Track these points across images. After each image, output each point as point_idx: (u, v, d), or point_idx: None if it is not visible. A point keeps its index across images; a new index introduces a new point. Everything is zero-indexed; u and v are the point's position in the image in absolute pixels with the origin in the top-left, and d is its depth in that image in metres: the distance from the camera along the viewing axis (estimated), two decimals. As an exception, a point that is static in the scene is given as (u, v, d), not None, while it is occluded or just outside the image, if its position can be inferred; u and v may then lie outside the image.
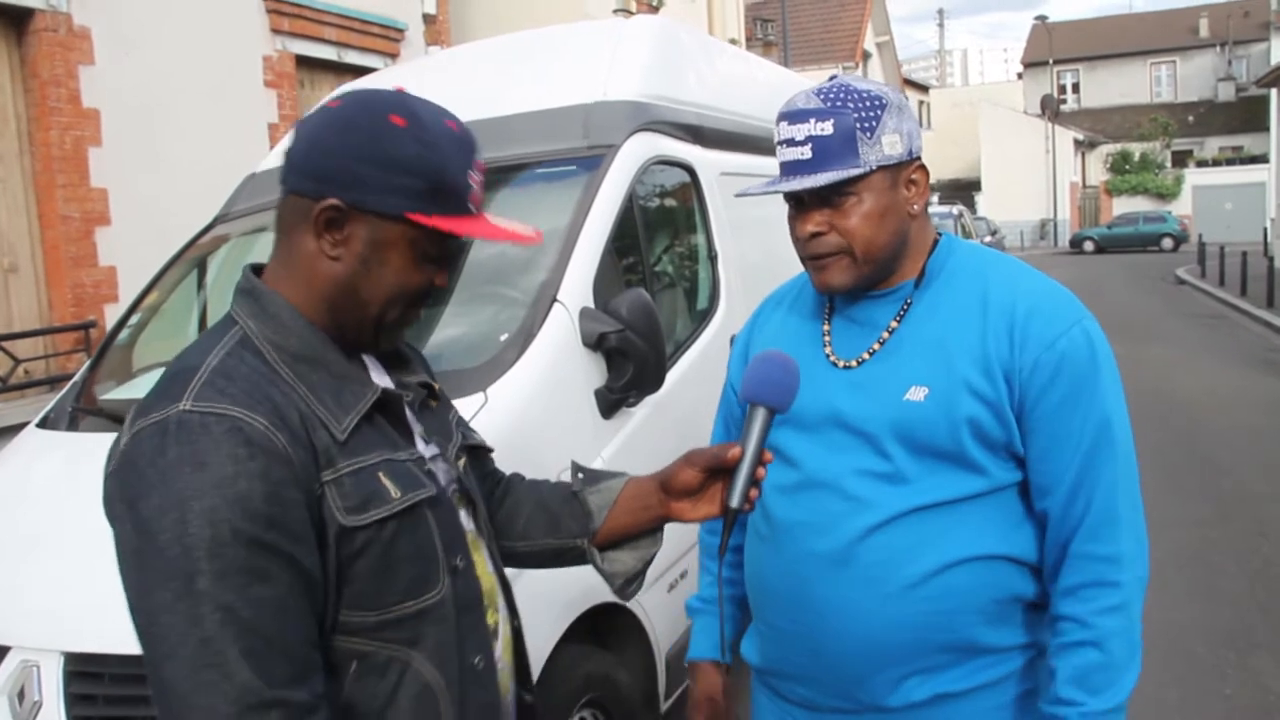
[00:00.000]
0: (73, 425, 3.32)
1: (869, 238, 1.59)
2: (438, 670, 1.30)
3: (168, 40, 7.50)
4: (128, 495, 1.13)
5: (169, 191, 7.07)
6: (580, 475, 1.64)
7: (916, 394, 1.57)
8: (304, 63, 9.11)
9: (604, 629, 2.93)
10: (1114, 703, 1.52)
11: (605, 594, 2.85)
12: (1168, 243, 35.36)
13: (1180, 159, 42.84)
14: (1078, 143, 42.26)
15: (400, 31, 10.25)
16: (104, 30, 7.05)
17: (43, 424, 3.45)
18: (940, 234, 1.72)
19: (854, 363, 1.65)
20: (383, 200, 1.26)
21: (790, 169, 1.60)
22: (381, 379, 1.40)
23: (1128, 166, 42.37)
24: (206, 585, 1.09)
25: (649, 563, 1.60)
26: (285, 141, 1.34)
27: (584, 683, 2.72)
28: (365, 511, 1.23)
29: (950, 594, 1.56)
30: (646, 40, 3.96)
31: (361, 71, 7.98)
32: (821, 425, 1.65)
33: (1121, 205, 40.90)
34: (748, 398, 1.48)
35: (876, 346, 1.65)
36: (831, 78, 1.65)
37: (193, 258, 4.16)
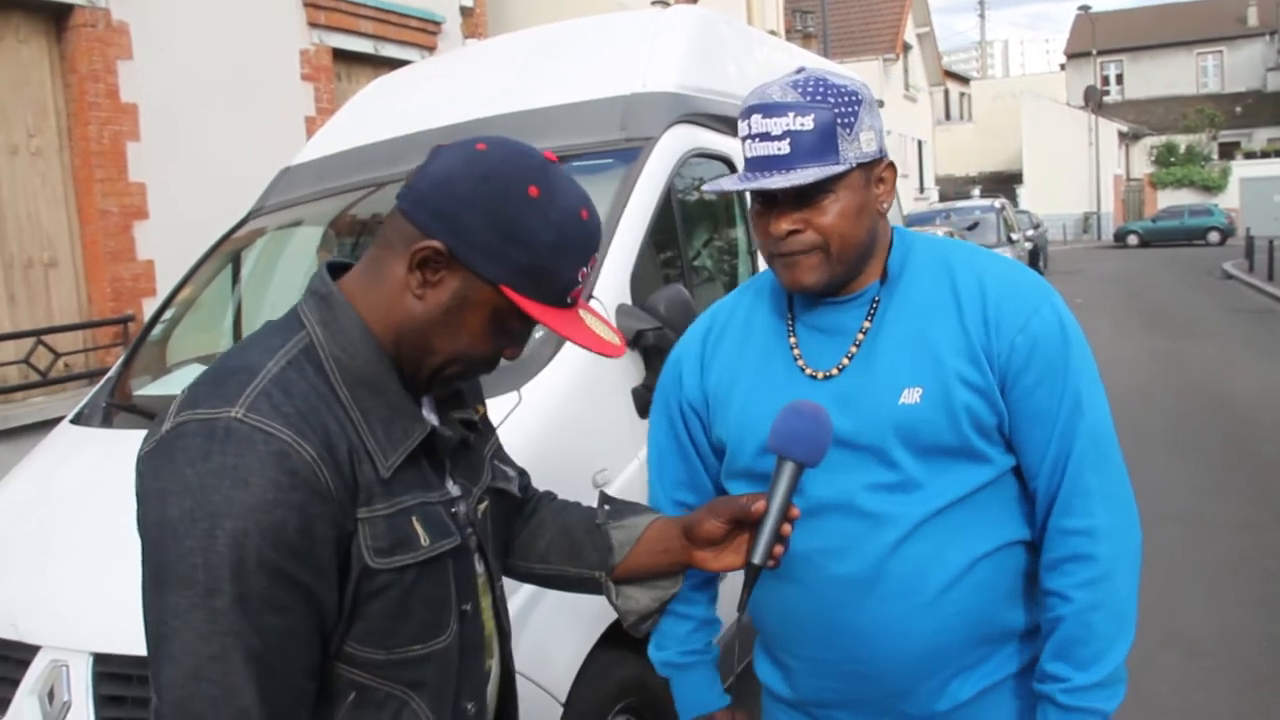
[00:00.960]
0: (106, 421, 3.31)
1: (844, 235, 1.54)
2: (433, 713, 1.29)
3: (205, 35, 7.52)
4: (160, 486, 1.12)
5: (207, 185, 7.08)
6: (606, 508, 1.59)
7: (911, 395, 1.53)
8: (341, 56, 9.12)
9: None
10: (1100, 676, 1.51)
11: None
12: (1214, 236, 34.77)
13: (1227, 151, 42.12)
14: (1121, 135, 41.66)
15: (437, 24, 10.23)
16: (142, 25, 7.07)
17: (76, 420, 3.44)
18: (893, 229, 1.67)
19: (834, 371, 1.59)
20: (486, 264, 1.22)
21: (763, 164, 1.51)
22: (429, 414, 1.36)
23: (1173, 159, 41.75)
24: (223, 605, 1.08)
25: (665, 602, 1.56)
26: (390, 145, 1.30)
27: (618, 688, 2.66)
28: (392, 556, 1.21)
29: (979, 589, 1.55)
30: (685, 31, 3.89)
31: (398, 65, 7.94)
32: None
33: (1166, 198, 40.31)
34: (776, 450, 1.41)
35: (853, 350, 1.59)
36: (798, 70, 1.58)
37: (227, 252, 4.14)
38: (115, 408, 3.38)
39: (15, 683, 2.36)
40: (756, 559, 1.38)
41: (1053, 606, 1.54)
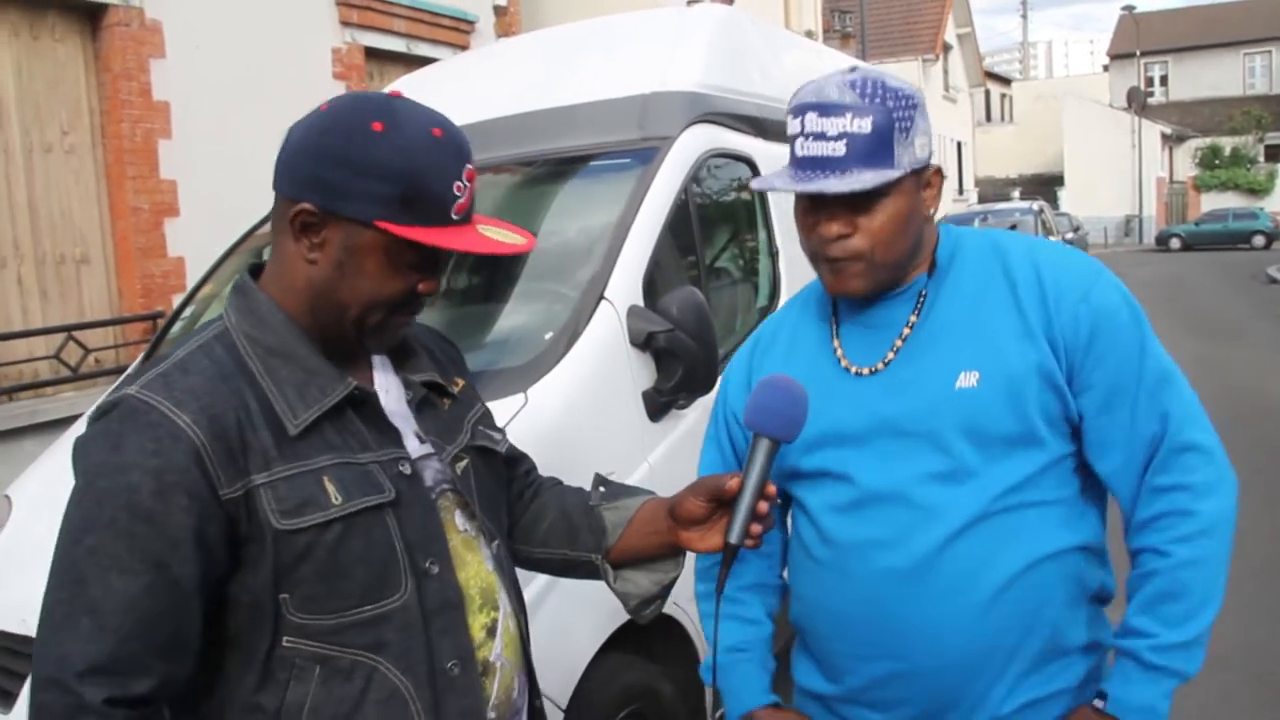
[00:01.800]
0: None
1: (891, 242, 1.53)
2: (406, 675, 1.29)
3: (237, 33, 7.57)
4: (75, 461, 1.23)
5: (237, 183, 7.10)
6: (601, 489, 1.60)
7: (968, 379, 1.51)
8: (373, 55, 9.15)
9: (649, 638, 2.84)
10: (1188, 635, 1.46)
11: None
12: (1259, 240, 34.14)
13: (1274, 153, 41.35)
14: (1165, 137, 41.07)
15: (470, 23, 10.25)
16: (175, 24, 7.13)
17: (95, 416, 3.45)
18: (939, 226, 1.65)
19: (879, 365, 1.58)
20: (354, 207, 1.26)
21: (815, 165, 1.49)
22: (385, 374, 1.42)
23: (1217, 161, 41.12)
24: (78, 555, 1.17)
25: (668, 587, 1.55)
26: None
27: (623, 694, 2.63)
28: (299, 515, 1.24)
29: (1037, 594, 1.50)
30: (708, 30, 3.86)
31: (430, 63, 7.96)
32: (869, 436, 1.56)
33: (1210, 201, 39.69)
34: (750, 426, 1.40)
35: (899, 344, 1.57)
36: (852, 68, 1.54)
37: (250, 249, 4.16)
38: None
39: (24, 676, 2.39)
40: (733, 538, 1.37)
41: (1144, 562, 1.50)
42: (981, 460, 1.49)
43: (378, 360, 1.43)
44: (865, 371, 1.58)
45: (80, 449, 1.23)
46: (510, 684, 1.46)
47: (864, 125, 1.46)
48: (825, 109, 1.48)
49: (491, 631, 1.43)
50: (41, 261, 6.59)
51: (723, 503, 1.42)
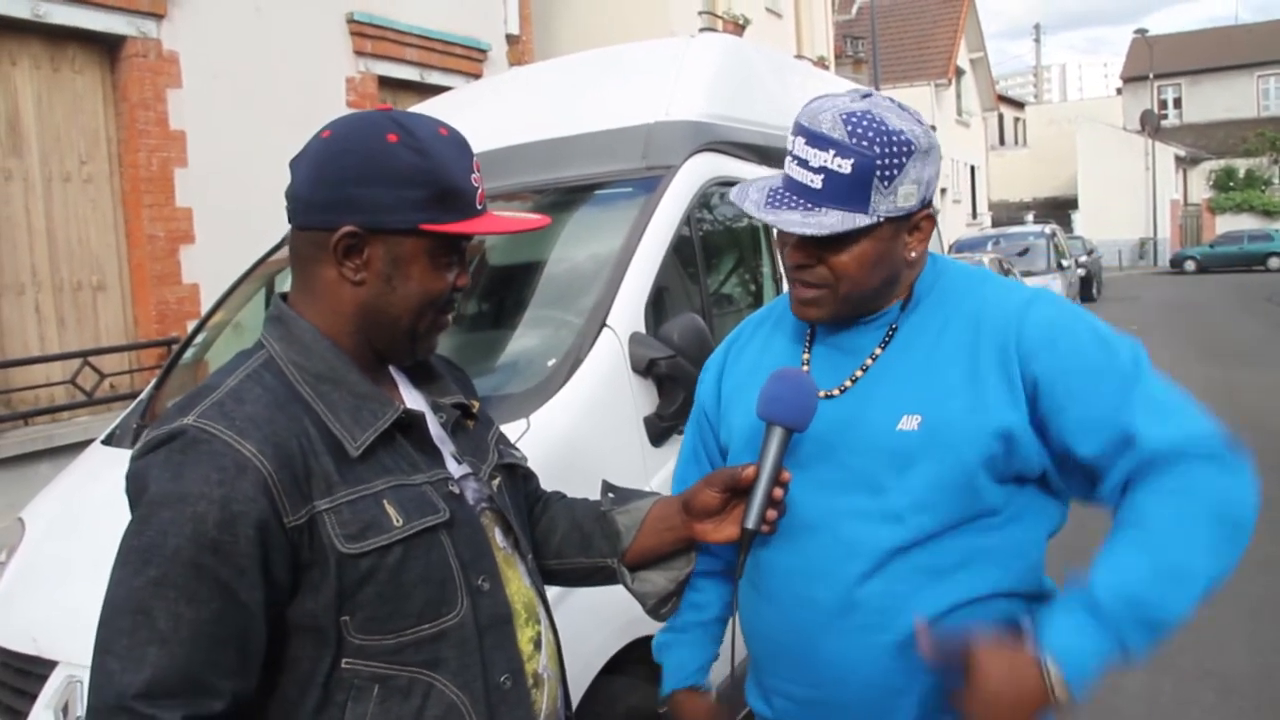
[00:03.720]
0: (136, 442, 3.36)
1: (856, 280, 1.51)
2: (462, 691, 1.31)
3: (252, 63, 7.68)
4: (130, 491, 1.23)
5: (252, 210, 7.18)
6: (610, 495, 1.65)
7: (910, 423, 1.48)
8: (386, 83, 9.25)
9: (651, 660, 2.85)
10: (1156, 598, 1.35)
11: (650, 626, 2.78)
12: (1274, 262, 33.95)
13: (1289, 175, 41.26)
14: (1179, 159, 40.97)
15: (483, 52, 10.35)
16: (191, 55, 7.24)
17: (108, 440, 3.51)
18: (930, 255, 1.61)
19: (835, 391, 1.56)
20: (395, 217, 1.29)
21: (794, 188, 1.47)
22: (413, 399, 1.44)
23: (1232, 184, 40.97)
24: (140, 584, 1.16)
25: (682, 583, 1.61)
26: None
27: (625, 717, 2.64)
28: (364, 539, 1.25)
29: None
30: (712, 59, 3.90)
31: (444, 92, 8.05)
32: (809, 461, 1.54)
33: (1225, 223, 39.54)
34: (763, 416, 1.44)
35: (859, 374, 1.56)
36: (865, 94, 1.52)
37: (262, 275, 4.21)
38: (146, 429, 3.43)
39: (33, 696, 2.42)
40: (750, 523, 1.43)
41: (1121, 517, 1.40)
42: (910, 505, 1.46)
43: (403, 386, 1.45)
44: (822, 394, 1.55)
45: (137, 479, 1.22)
46: (556, 695, 1.50)
47: (844, 166, 1.43)
48: (813, 138, 1.46)
49: (538, 644, 1.46)
50: (59, 288, 6.68)
51: (737, 493, 1.49)
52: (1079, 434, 1.44)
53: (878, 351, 1.56)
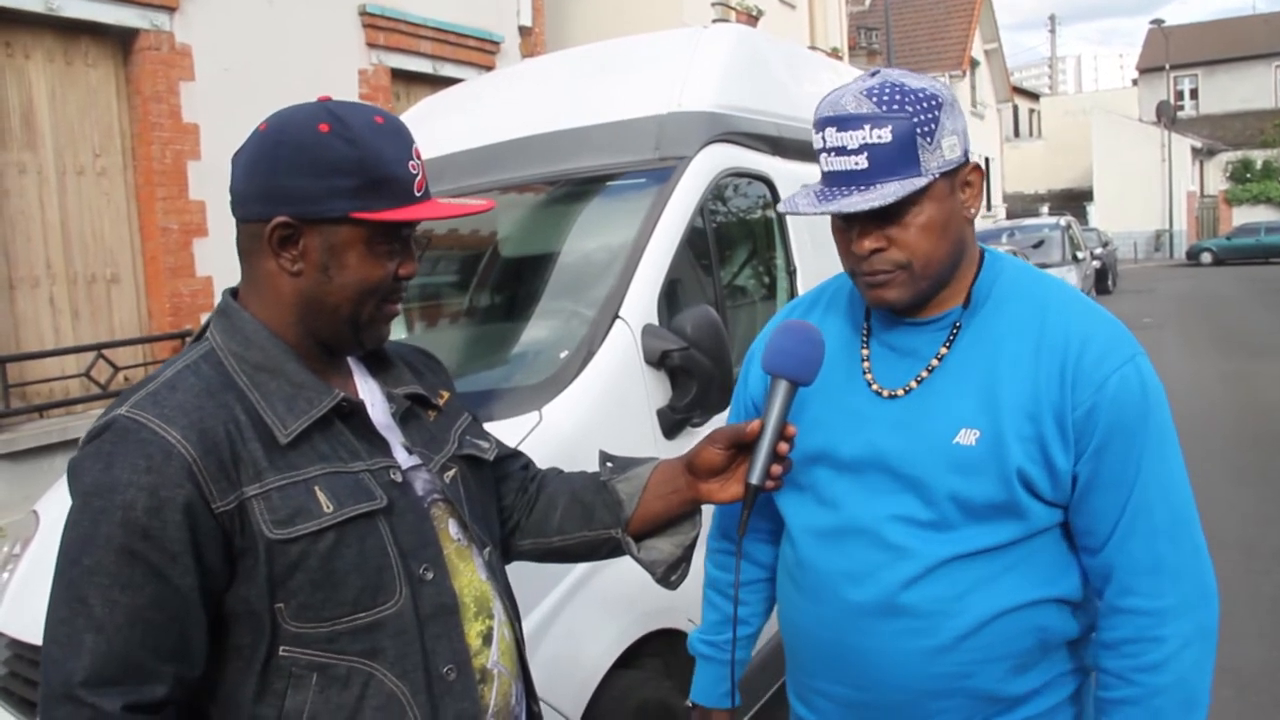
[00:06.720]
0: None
1: (929, 251, 1.45)
2: (401, 680, 1.32)
3: (265, 56, 7.69)
4: (69, 484, 1.25)
5: (265, 203, 7.22)
6: (609, 464, 1.63)
7: (967, 437, 1.44)
8: (399, 76, 9.26)
9: (664, 656, 2.85)
10: None
11: (664, 619, 2.78)
12: (1292, 254, 33.81)
13: (1307, 167, 40.95)
14: (1195, 151, 40.69)
15: (496, 44, 10.34)
16: (204, 48, 7.26)
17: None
18: (983, 250, 1.58)
19: (900, 391, 1.52)
20: (327, 207, 1.30)
21: (841, 180, 1.43)
22: (368, 388, 1.46)
23: (1249, 175, 40.66)
24: (77, 575, 1.19)
25: (689, 548, 1.59)
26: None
27: (637, 711, 2.63)
28: (292, 525, 1.26)
29: (998, 643, 1.46)
30: (724, 49, 3.87)
31: (456, 84, 8.03)
32: (862, 466, 1.52)
33: (1242, 215, 39.23)
34: (768, 369, 1.42)
35: (925, 374, 1.51)
36: (873, 73, 1.49)
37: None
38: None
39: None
40: (754, 478, 1.41)
41: (1111, 686, 1.45)
42: (962, 518, 1.45)
43: (359, 376, 1.46)
44: (886, 394, 1.52)
45: (74, 470, 1.25)
46: (508, 691, 1.48)
47: (883, 134, 1.39)
48: (842, 122, 1.42)
49: (487, 639, 1.44)
50: (74, 281, 6.70)
51: (741, 449, 1.48)
52: (1085, 523, 1.47)
53: (943, 351, 1.51)
